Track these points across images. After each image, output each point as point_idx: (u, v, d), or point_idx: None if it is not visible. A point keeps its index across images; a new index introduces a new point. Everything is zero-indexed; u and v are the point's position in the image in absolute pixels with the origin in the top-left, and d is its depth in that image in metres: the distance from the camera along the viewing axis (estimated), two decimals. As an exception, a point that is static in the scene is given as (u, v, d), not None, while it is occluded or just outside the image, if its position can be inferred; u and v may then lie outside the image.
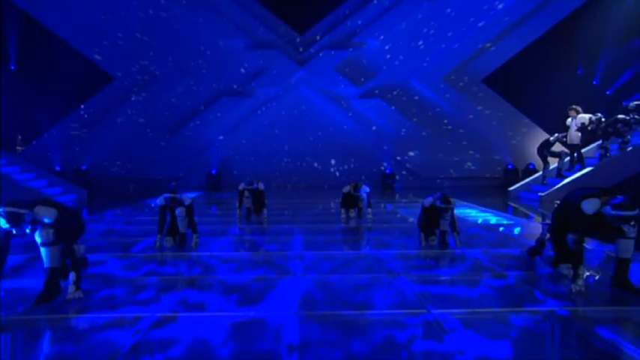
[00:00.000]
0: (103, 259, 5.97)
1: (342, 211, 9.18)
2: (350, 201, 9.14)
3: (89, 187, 14.49)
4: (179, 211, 6.52)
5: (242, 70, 16.26)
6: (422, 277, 5.14)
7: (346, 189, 9.07)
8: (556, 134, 12.61)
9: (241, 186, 9.19)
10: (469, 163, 16.70)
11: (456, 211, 6.76)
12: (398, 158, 16.68)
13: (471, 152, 16.70)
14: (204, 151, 16.40)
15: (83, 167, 15.62)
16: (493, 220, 9.14)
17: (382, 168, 16.47)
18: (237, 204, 9.31)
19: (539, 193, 11.84)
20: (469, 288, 4.74)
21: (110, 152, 16.11)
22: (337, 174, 16.66)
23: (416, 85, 16.53)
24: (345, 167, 16.79)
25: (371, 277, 5.13)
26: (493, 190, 15.53)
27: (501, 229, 8.21)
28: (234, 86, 16.32)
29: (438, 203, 6.42)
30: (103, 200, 13.35)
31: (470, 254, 6.14)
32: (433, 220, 6.60)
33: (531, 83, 16.12)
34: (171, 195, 6.41)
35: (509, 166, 16.35)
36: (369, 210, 9.12)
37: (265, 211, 9.23)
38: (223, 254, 6.25)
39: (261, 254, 6.27)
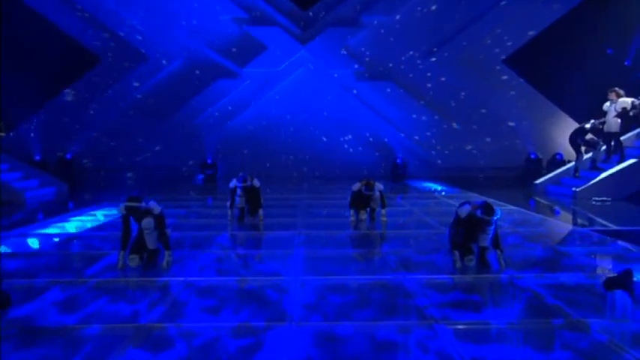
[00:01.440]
0: (42, 287, 4.49)
1: (352, 212, 7.68)
2: (361, 201, 7.63)
3: (73, 178, 13.01)
4: (146, 223, 5.00)
5: (240, 50, 14.58)
6: (468, 325, 3.61)
7: (356, 187, 7.54)
8: (592, 120, 10.95)
9: (233, 183, 7.66)
10: (487, 151, 15.04)
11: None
12: (415, 139, 15.09)
13: (488, 140, 15.04)
14: (200, 138, 14.84)
15: (67, 156, 14.12)
16: (530, 224, 7.57)
17: (397, 160, 14.80)
18: (228, 203, 7.79)
19: (574, 188, 10.25)
20: (540, 350, 3.21)
21: (97, 140, 14.58)
22: (345, 164, 15.05)
23: (430, 66, 14.82)
24: (353, 156, 15.18)
25: (397, 325, 3.61)
26: (513, 182, 13.94)
27: (541, 234, 6.65)
28: (231, 67, 14.66)
29: (478, 213, 4.87)
30: (85, 194, 11.89)
31: (521, 282, 4.60)
32: (471, 234, 5.06)
33: (556, 64, 14.37)
34: (131, 204, 4.88)
35: (532, 156, 14.70)
36: (383, 212, 7.60)
37: (261, 212, 7.73)
38: (200, 280, 4.74)
39: (249, 281, 4.76)
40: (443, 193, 11.12)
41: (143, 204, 4.96)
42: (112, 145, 14.56)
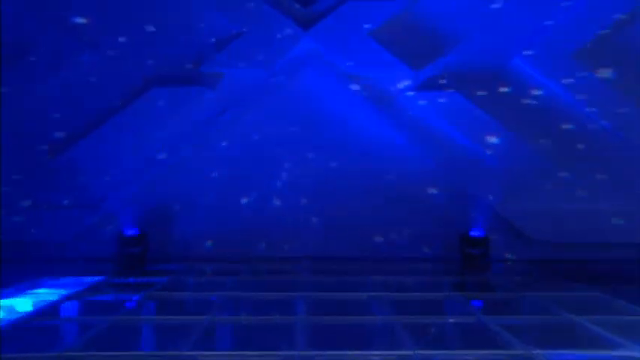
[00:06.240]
0: None
1: None
2: None
3: None
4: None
5: (196, 38, 8.11)
6: None
7: None
8: None
9: None
10: (627, 213, 8.13)
11: None
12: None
13: (629, 192, 8.16)
14: (116, 189, 8.01)
15: None
16: None
17: (470, 232, 7.93)
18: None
19: None
20: None
21: None
22: (379, 241, 8.18)
23: (522, 68, 8.20)
24: (389, 224, 8.28)
25: None
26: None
27: None
28: (180, 66, 8.11)
29: None
30: None
31: None
32: None
33: None
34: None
35: None
36: None
37: None
38: None
39: None
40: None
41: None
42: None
